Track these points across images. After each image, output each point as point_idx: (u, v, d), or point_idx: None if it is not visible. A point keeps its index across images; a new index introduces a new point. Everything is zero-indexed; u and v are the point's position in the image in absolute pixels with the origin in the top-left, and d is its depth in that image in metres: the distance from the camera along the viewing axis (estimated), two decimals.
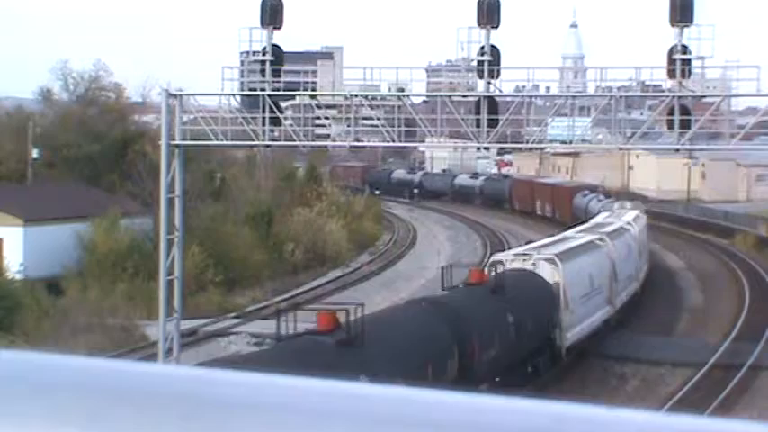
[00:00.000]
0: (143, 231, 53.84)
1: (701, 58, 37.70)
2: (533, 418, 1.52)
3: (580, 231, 50.55)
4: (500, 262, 38.53)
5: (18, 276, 48.43)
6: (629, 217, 58.49)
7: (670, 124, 38.67)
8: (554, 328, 37.46)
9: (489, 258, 44.69)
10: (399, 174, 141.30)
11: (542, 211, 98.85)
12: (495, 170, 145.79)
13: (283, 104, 43.03)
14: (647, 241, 59.57)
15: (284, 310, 27.16)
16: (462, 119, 40.56)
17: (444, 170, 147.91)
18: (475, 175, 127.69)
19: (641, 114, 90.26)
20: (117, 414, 1.60)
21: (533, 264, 39.04)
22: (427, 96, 60.87)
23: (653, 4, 49.05)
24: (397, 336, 26.76)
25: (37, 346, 35.60)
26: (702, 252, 75.59)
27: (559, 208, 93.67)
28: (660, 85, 42.14)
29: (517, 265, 39.00)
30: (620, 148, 46.58)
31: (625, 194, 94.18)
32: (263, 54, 38.72)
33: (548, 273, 38.67)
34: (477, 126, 38.76)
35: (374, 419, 1.54)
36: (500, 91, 39.17)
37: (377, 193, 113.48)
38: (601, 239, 46.08)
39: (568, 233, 50.19)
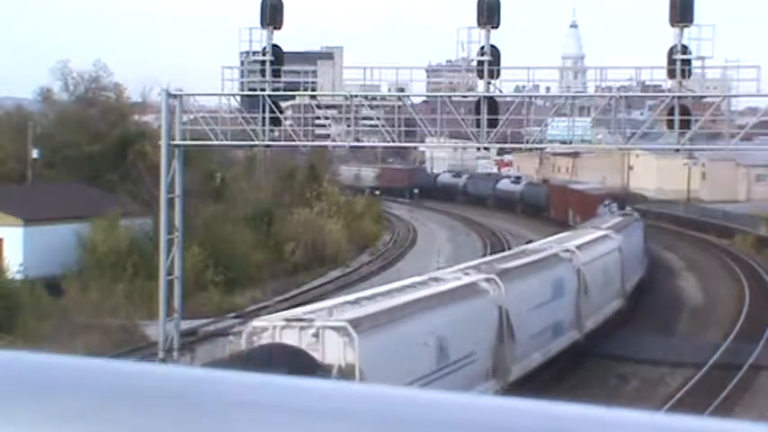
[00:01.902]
0: (143, 231, 53.83)
1: (701, 58, 37.72)
2: (533, 418, 1.52)
3: (469, 267, 34.59)
4: (259, 330, 24.67)
5: (18, 276, 48.42)
6: (586, 238, 46.24)
7: (670, 124, 38.69)
8: None
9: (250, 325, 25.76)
10: (445, 177, 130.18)
11: (574, 222, 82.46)
12: (495, 170, 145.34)
13: (283, 104, 43.06)
14: (620, 267, 47.41)
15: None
16: (462, 119, 40.59)
17: (489, 173, 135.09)
18: (517, 180, 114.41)
19: (641, 114, 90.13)
20: (117, 414, 1.60)
21: (315, 335, 24.19)
22: (427, 96, 60.89)
23: (653, 4, 49.05)
24: None
25: (37, 346, 35.59)
26: (702, 252, 75.58)
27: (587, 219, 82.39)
28: (660, 85, 42.18)
29: (290, 337, 24.13)
30: (620, 148, 46.65)
31: (634, 198, 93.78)
32: (263, 54, 38.73)
33: (334, 351, 24.03)
34: (477, 126, 38.78)
35: (374, 419, 1.54)
36: (500, 91, 39.20)
37: (377, 193, 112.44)
38: (488, 280, 31.33)
39: (445, 272, 34.83)
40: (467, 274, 32.24)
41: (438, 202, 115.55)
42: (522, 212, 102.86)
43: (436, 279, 31.34)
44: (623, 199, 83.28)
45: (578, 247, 41.51)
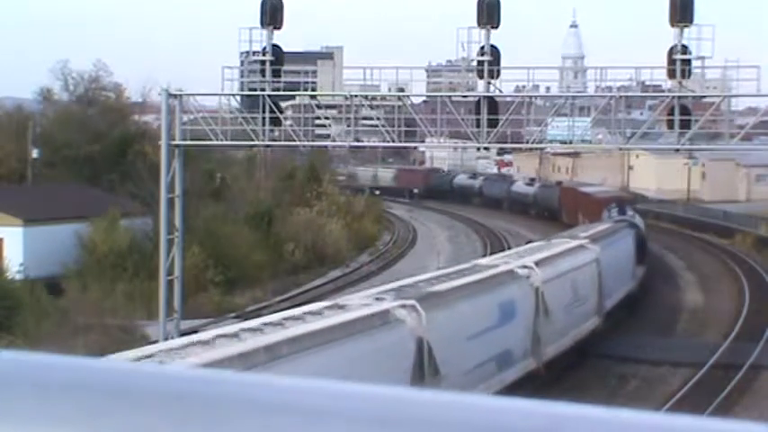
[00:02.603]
0: (143, 231, 53.85)
1: (701, 58, 37.73)
2: (533, 418, 1.52)
3: (385, 291, 29.14)
4: None
5: (18, 276, 48.43)
6: (554, 250, 40.12)
7: (670, 124, 38.71)
8: None
9: None
10: (461, 179, 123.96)
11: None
12: (495, 170, 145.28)
13: (283, 104, 43.07)
14: (597, 282, 42.06)
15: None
16: (462, 119, 40.59)
17: (504, 175, 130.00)
18: (531, 182, 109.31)
19: (641, 114, 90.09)
20: (117, 414, 1.60)
21: None
22: (427, 96, 60.90)
23: (653, 4, 49.03)
24: None
25: (37, 346, 35.60)
26: (702, 252, 75.58)
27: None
28: (660, 85, 42.20)
29: None
30: (620, 148, 46.65)
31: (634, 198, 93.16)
32: (263, 54, 38.75)
33: None
34: (477, 126, 38.79)
35: (374, 419, 1.54)
36: (500, 91, 39.21)
37: (377, 193, 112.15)
38: (405, 307, 26.62)
39: (355, 297, 29.56)
40: (380, 299, 27.14)
41: (453, 205, 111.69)
42: (536, 216, 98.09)
43: (341, 306, 26.08)
44: (631, 202, 79.40)
45: (539, 263, 35.53)
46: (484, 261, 37.57)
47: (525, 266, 34.44)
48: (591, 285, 41.01)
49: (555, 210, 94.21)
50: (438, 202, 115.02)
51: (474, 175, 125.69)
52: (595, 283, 41.63)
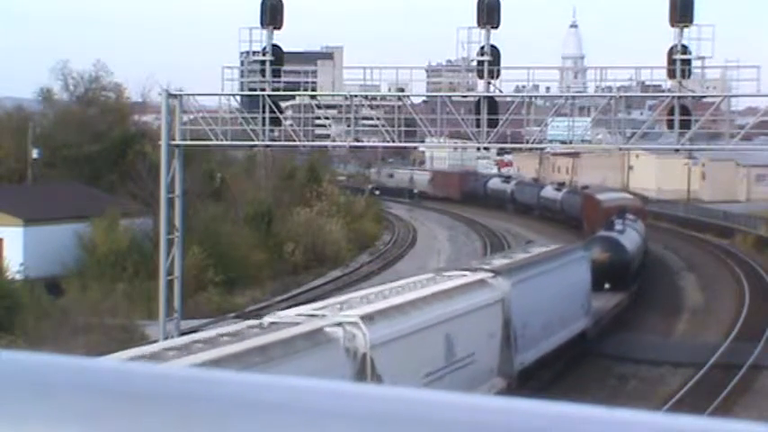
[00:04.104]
0: (143, 231, 53.86)
1: (701, 58, 37.73)
2: (533, 418, 1.52)
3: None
4: None
5: (18, 276, 48.45)
6: (421, 292, 29.77)
7: (670, 124, 38.71)
8: None
9: None
10: (494, 183, 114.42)
11: None
12: (495, 170, 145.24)
13: (283, 104, 43.08)
14: (501, 333, 32.39)
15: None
16: (462, 119, 40.60)
17: (536, 178, 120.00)
18: (559, 187, 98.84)
19: (641, 114, 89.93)
20: (117, 414, 1.60)
21: None
22: (427, 96, 60.90)
23: (653, 4, 49.07)
24: None
25: (37, 346, 35.61)
26: (702, 252, 75.60)
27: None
28: (660, 85, 42.19)
29: None
30: (620, 148, 46.63)
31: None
32: (263, 54, 38.75)
33: None
34: (477, 126, 38.80)
35: (374, 419, 1.54)
36: (500, 91, 39.21)
37: (377, 193, 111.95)
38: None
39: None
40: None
41: (487, 210, 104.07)
42: (564, 223, 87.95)
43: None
44: (638, 211, 71.06)
45: (371, 317, 25.31)
46: (282, 314, 26.90)
47: (341, 323, 24.52)
48: (487, 337, 31.16)
49: (578, 217, 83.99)
50: (471, 208, 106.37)
51: (507, 179, 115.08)
52: (497, 332, 31.92)
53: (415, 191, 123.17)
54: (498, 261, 37.82)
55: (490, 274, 33.22)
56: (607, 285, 48.80)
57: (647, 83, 49.84)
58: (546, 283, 36.42)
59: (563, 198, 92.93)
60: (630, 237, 55.83)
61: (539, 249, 42.98)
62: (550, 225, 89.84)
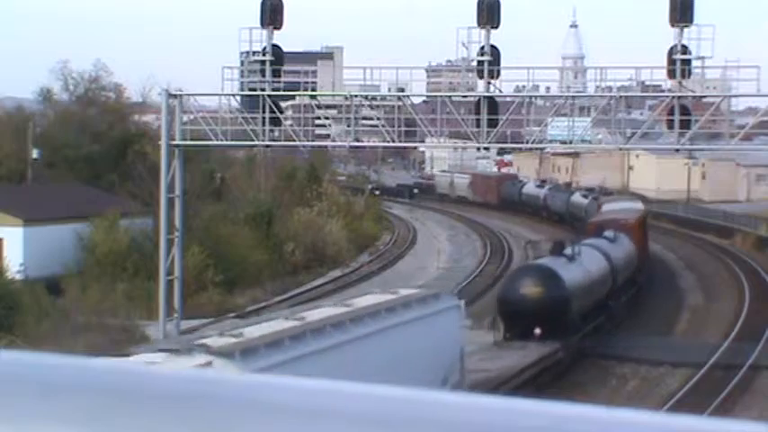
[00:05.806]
0: (143, 231, 53.83)
1: (701, 58, 37.74)
2: (533, 418, 1.52)
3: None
4: None
5: (18, 276, 48.42)
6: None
7: (670, 124, 38.72)
8: None
9: None
10: (530, 188, 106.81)
11: None
12: (495, 170, 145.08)
13: (283, 104, 43.08)
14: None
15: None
16: (462, 119, 40.61)
17: (568, 183, 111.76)
18: (586, 193, 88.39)
19: (641, 114, 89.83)
20: (117, 414, 1.60)
21: None
22: (427, 96, 60.90)
23: (653, 4, 49.07)
24: None
25: (37, 346, 35.60)
26: (702, 252, 75.55)
27: None
28: (660, 85, 42.22)
29: None
30: (620, 148, 46.62)
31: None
32: (263, 54, 38.75)
33: None
34: (477, 126, 38.81)
35: (374, 419, 1.54)
36: (500, 91, 39.22)
37: (377, 193, 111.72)
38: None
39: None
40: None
41: (523, 217, 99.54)
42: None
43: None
44: (631, 227, 55.26)
45: None
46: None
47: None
48: None
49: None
50: (507, 215, 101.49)
51: (541, 184, 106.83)
52: None
53: (457, 194, 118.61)
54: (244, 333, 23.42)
55: (209, 358, 20.94)
56: (537, 331, 37.54)
57: (647, 83, 49.89)
58: (353, 356, 23.87)
59: (587, 206, 79.99)
60: (581, 267, 41.65)
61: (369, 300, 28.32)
62: (557, 228, 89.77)
